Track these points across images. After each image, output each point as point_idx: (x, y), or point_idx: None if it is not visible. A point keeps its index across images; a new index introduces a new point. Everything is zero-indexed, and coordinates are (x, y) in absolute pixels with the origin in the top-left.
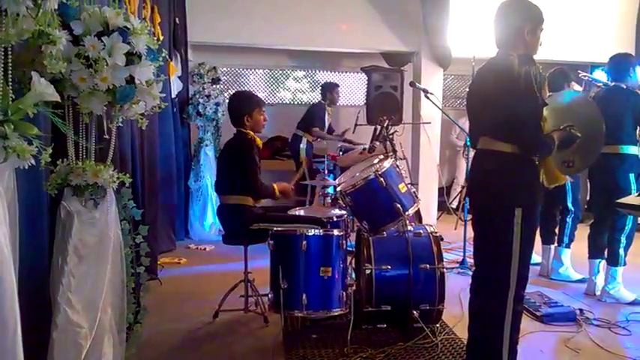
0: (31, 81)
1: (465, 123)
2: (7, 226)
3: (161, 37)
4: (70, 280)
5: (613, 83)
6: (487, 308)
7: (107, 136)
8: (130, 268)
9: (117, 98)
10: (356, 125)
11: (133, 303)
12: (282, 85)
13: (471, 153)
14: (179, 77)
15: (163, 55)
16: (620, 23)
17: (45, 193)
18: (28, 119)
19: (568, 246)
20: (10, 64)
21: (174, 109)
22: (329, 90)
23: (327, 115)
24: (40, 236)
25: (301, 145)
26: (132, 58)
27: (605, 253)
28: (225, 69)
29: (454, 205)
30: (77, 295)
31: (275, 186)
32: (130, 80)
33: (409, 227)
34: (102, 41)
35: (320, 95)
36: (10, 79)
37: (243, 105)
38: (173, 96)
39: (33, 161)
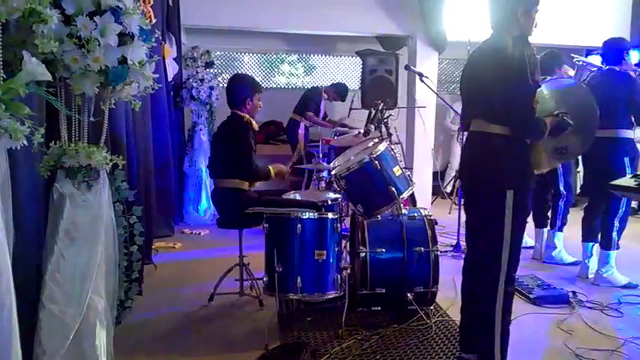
0: (21, 62)
1: (460, 107)
2: (0, 207)
3: (153, 20)
4: (59, 261)
5: (607, 67)
6: (479, 290)
7: (92, 118)
8: (122, 248)
9: (109, 79)
10: (351, 109)
11: (125, 281)
12: (276, 70)
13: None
14: (174, 59)
15: (156, 35)
16: (616, 7)
17: (39, 176)
18: (21, 101)
19: (561, 229)
20: (0, 44)
21: (171, 93)
22: (334, 88)
23: (323, 101)
24: (35, 218)
25: (300, 131)
26: (124, 38)
27: (599, 236)
28: (218, 53)
29: (448, 189)
30: (65, 276)
31: (270, 167)
32: (123, 61)
33: (403, 210)
34: (94, 21)
35: (317, 80)
36: (1, 60)
37: (246, 87)
38: (170, 79)
39: (25, 142)
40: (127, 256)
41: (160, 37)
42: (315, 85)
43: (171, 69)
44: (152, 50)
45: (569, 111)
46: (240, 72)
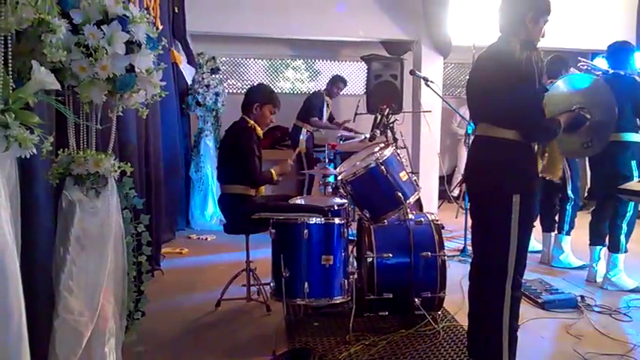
0: (30, 71)
1: (466, 112)
2: (9, 215)
3: (160, 27)
4: (71, 269)
5: (612, 71)
6: (486, 295)
7: (99, 126)
8: (131, 257)
9: (117, 87)
10: (356, 114)
11: (134, 291)
12: (281, 75)
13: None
14: (189, 63)
15: (163, 43)
16: (622, 10)
17: (48, 183)
18: (30, 109)
19: (568, 233)
20: (10, 54)
21: (181, 99)
22: (331, 81)
23: (325, 104)
24: (43, 226)
25: (301, 137)
26: (131, 46)
27: (607, 240)
28: (224, 59)
29: (455, 193)
30: (78, 284)
31: (272, 171)
32: (130, 69)
33: (410, 215)
34: (101, 30)
35: (322, 85)
36: (10, 69)
37: (259, 93)
38: (189, 82)
39: (35, 150)
40: (135, 266)
41: (167, 45)
42: (317, 90)
43: (189, 73)
44: (159, 58)
45: (592, 105)
46: (245, 78)
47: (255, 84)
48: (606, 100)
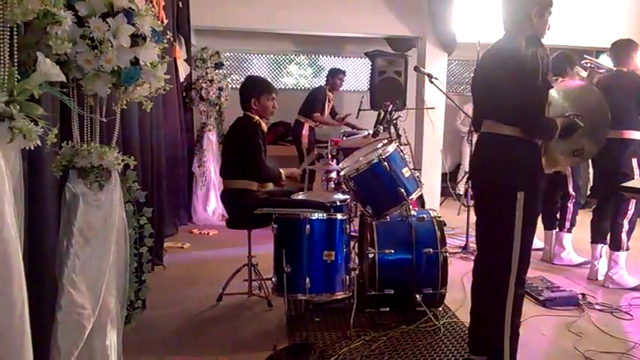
0: (35, 63)
1: (470, 109)
2: (13, 207)
3: (165, 21)
4: (75, 262)
5: (615, 69)
6: (489, 292)
7: (103, 119)
8: (132, 249)
9: (121, 80)
10: (360, 110)
11: (135, 282)
12: (285, 71)
13: (475, 138)
14: (185, 60)
15: (168, 37)
16: (626, 9)
17: (53, 176)
18: (35, 101)
19: (569, 231)
20: (15, 45)
21: (185, 94)
22: (331, 74)
23: (327, 99)
24: (48, 218)
25: (303, 132)
26: (136, 39)
27: (608, 238)
28: (228, 54)
29: (461, 189)
30: (81, 277)
31: (282, 170)
32: (135, 62)
33: (412, 212)
34: (107, 22)
35: (324, 80)
36: (16, 61)
37: (252, 88)
38: (182, 79)
39: (39, 142)
40: (136, 257)
41: (172, 39)
42: (319, 85)
43: (183, 70)
44: (164, 51)
45: (581, 112)
46: (248, 73)
47: None
48: (596, 104)
